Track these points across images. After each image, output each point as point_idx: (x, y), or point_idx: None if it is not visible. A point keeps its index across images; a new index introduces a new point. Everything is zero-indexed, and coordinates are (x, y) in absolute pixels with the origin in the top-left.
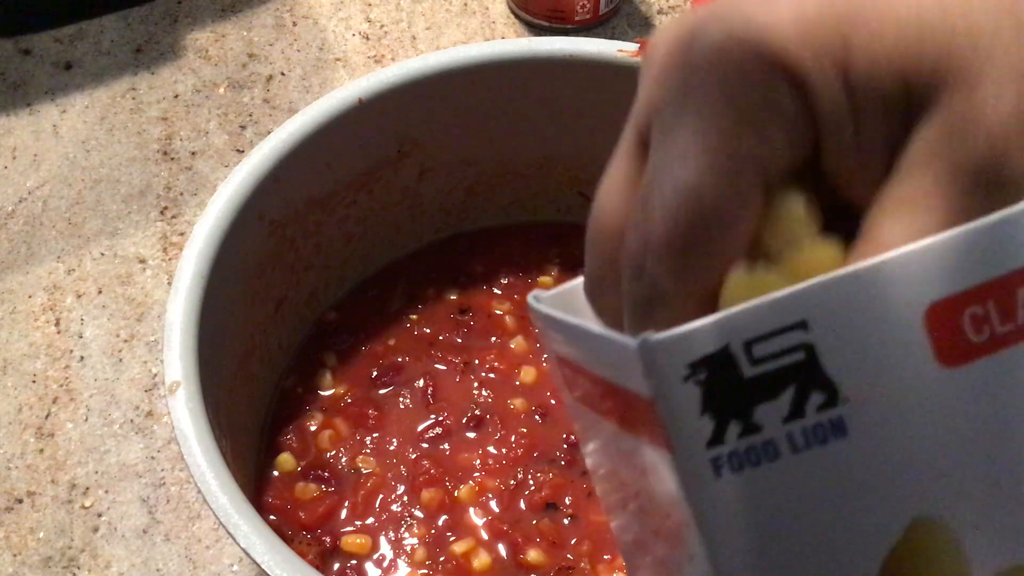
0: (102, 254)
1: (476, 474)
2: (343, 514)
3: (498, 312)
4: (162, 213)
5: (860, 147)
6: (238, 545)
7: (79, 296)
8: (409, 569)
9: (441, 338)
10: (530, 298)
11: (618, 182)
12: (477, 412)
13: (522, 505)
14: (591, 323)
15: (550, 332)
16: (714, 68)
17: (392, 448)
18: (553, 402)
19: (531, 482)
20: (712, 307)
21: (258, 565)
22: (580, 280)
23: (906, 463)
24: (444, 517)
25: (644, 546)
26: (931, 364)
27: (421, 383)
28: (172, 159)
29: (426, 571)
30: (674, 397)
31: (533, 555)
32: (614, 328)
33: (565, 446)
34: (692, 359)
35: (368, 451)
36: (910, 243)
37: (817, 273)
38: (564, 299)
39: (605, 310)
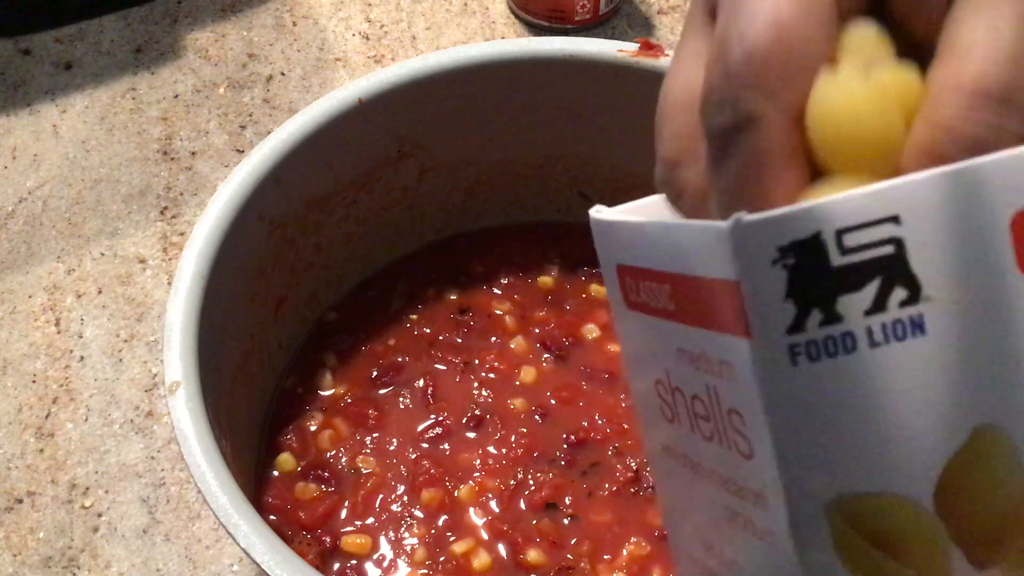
0: (102, 254)
1: (476, 474)
2: (343, 514)
3: (498, 312)
4: (162, 213)
5: None
6: (238, 545)
7: (79, 296)
8: (409, 569)
9: (441, 338)
10: (592, 211)
11: (688, 56)
12: (477, 412)
13: (522, 505)
14: (667, 219)
15: (612, 240)
16: None
17: (392, 448)
18: (553, 402)
19: (531, 482)
20: (801, 130)
21: (258, 565)
22: (636, 202)
23: (978, 369)
24: (444, 517)
25: (689, 459)
26: (1013, 271)
27: (421, 383)
28: (172, 159)
29: (426, 571)
30: (760, 279)
31: (533, 555)
32: (693, 217)
33: (565, 446)
34: (783, 243)
35: (368, 451)
36: (992, 38)
37: (897, 93)
38: (629, 211)
39: (684, 193)
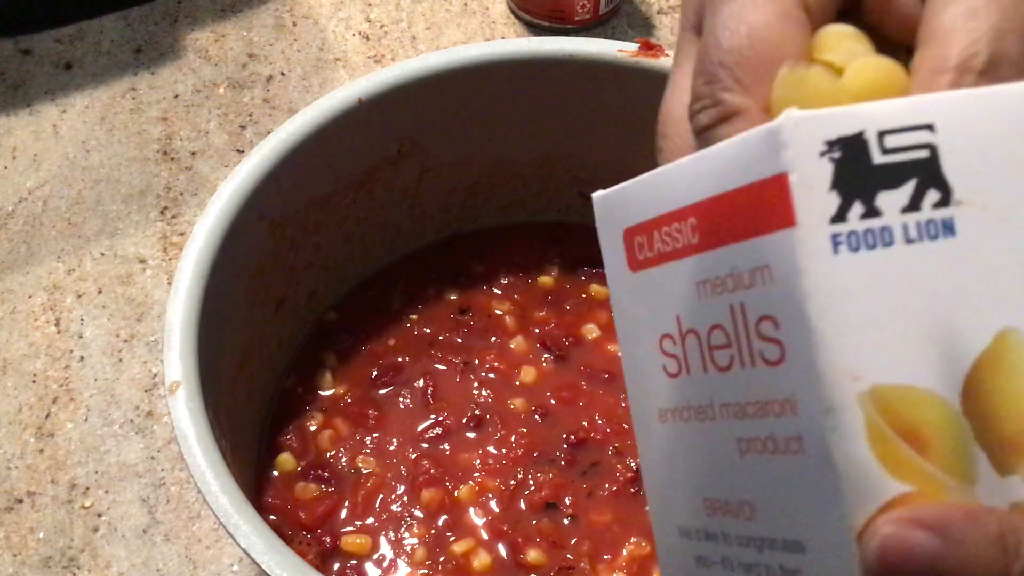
0: (102, 254)
1: (476, 474)
2: (343, 514)
3: (498, 312)
4: (162, 213)
5: None
6: (238, 545)
7: (79, 296)
8: (409, 569)
9: (441, 338)
10: (595, 194)
11: (680, 77)
12: (477, 412)
13: (522, 505)
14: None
15: (621, 208)
16: None
17: (392, 448)
18: (553, 402)
19: (531, 482)
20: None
21: (258, 565)
22: (643, 176)
23: (1005, 274)
24: (444, 517)
25: (695, 409)
26: None
27: (421, 383)
28: (172, 159)
29: (426, 571)
30: (808, 168)
31: (533, 555)
32: None
33: (565, 446)
34: (830, 136)
35: (368, 451)
36: (970, 21)
37: (875, 78)
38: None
39: None
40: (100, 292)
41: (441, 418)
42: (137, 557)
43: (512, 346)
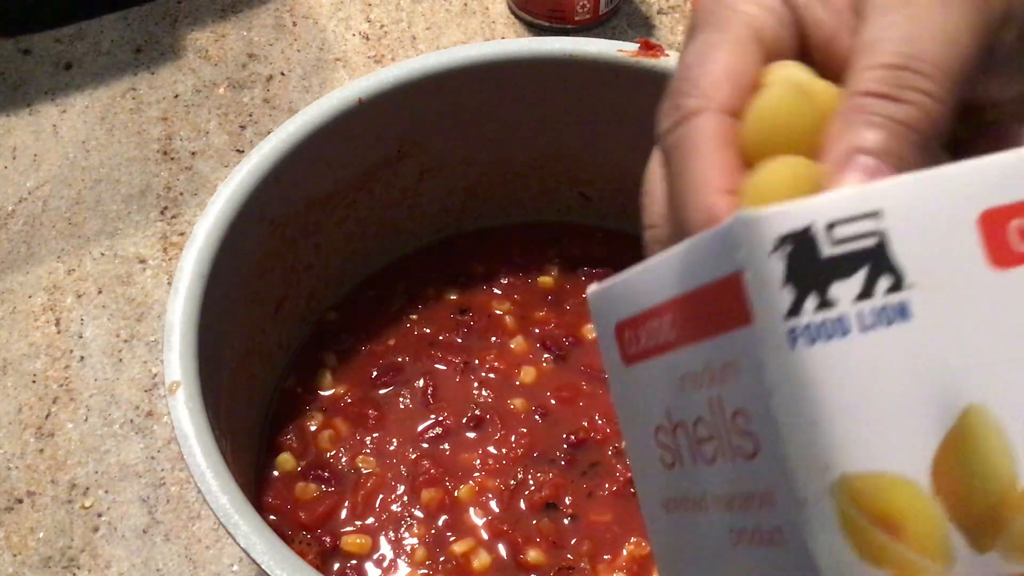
0: (102, 254)
1: (476, 474)
2: (343, 514)
3: (498, 312)
4: (162, 213)
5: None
6: (238, 545)
7: (79, 296)
8: (409, 569)
9: (441, 338)
10: (589, 289)
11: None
12: (477, 412)
13: (522, 505)
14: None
15: (612, 303)
16: None
17: (392, 448)
18: (553, 402)
19: (531, 482)
20: (732, 126)
21: (258, 565)
22: (629, 271)
23: (964, 351)
24: (444, 517)
25: (691, 501)
26: (984, 264)
27: (421, 383)
28: (172, 159)
29: (426, 571)
30: (761, 266)
31: (533, 555)
32: None
33: (565, 446)
34: (780, 233)
35: (368, 451)
36: (891, 33)
37: (819, 97)
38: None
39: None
40: (100, 292)
41: (441, 418)
42: (137, 557)
43: (512, 346)
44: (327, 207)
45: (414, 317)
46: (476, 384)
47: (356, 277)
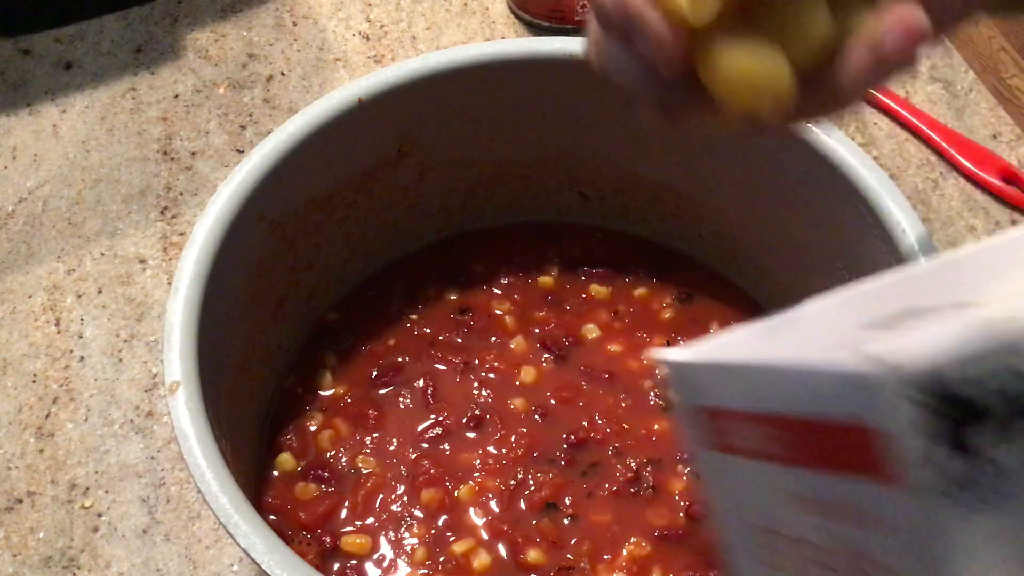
0: (102, 254)
1: (476, 474)
2: (343, 514)
3: (498, 312)
4: (162, 213)
5: None
6: (238, 545)
7: (79, 296)
8: (409, 569)
9: (441, 338)
10: (667, 354)
11: None
12: (477, 412)
13: (522, 505)
14: (779, 357)
15: (694, 381)
16: None
17: (392, 448)
18: (553, 402)
19: (531, 482)
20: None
21: (258, 565)
22: (716, 340)
23: None
24: (444, 517)
25: None
26: None
27: (421, 383)
28: (172, 159)
29: (426, 571)
30: (907, 426)
31: (533, 555)
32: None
33: (565, 446)
34: (924, 387)
35: (368, 451)
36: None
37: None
38: (706, 351)
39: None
40: (100, 292)
41: (441, 418)
42: (137, 557)
43: (512, 346)
44: (327, 207)
45: (414, 317)
46: (476, 384)
47: (356, 277)
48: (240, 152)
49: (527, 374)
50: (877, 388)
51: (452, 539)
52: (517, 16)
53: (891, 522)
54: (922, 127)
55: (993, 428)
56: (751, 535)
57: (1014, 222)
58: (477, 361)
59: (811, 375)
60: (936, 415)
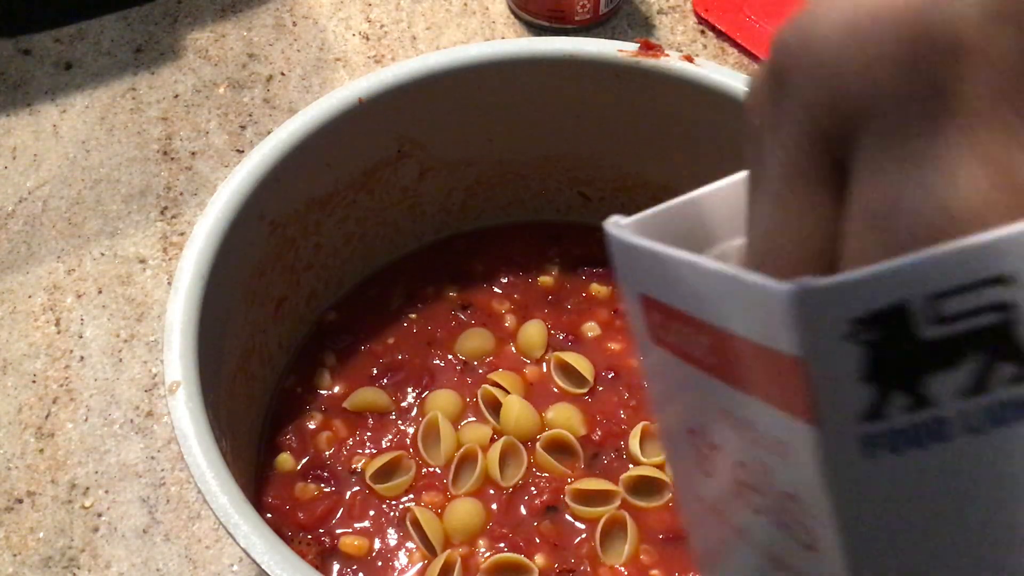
0: (102, 254)
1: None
2: (342, 514)
3: (498, 311)
4: (162, 213)
5: None
6: (238, 545)
7: (79, 296)
8: (409, 570)
9: (440, 337)
10: (609, 224)
11: (797, 222)
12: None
13: (522, 508)
14: (706, 257)
15: (634, 264)
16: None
17: (392, 448)
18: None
19: (531, 485)
20: None
21: (258, 565)
22: (670, 203)
23: None
24: (444, 518)
25: (730, 522)
26: None
27: (421, 382)
28: (172, 159)
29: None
30: (830, 358)
31: (534, 558)
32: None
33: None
34: (858, 314)
35: (367, 451)
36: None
37: None
38: (650, 226)
39: None
40: (100, 292)
41: None
42: (137, 557)
43: (512, 346)
44: (327, 207)
45: (413, 316)
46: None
47: (356, 277)
48: (240, 152)
49: (528, 373)
50: (809, 320)
51: (452, 541)
52: (517, 16)
53: (819, 470)
54: None
55: (942, 361)
56: (683, 436)
57: None
58: (476, 361)
59: (749, 292)
60: (870, 346)
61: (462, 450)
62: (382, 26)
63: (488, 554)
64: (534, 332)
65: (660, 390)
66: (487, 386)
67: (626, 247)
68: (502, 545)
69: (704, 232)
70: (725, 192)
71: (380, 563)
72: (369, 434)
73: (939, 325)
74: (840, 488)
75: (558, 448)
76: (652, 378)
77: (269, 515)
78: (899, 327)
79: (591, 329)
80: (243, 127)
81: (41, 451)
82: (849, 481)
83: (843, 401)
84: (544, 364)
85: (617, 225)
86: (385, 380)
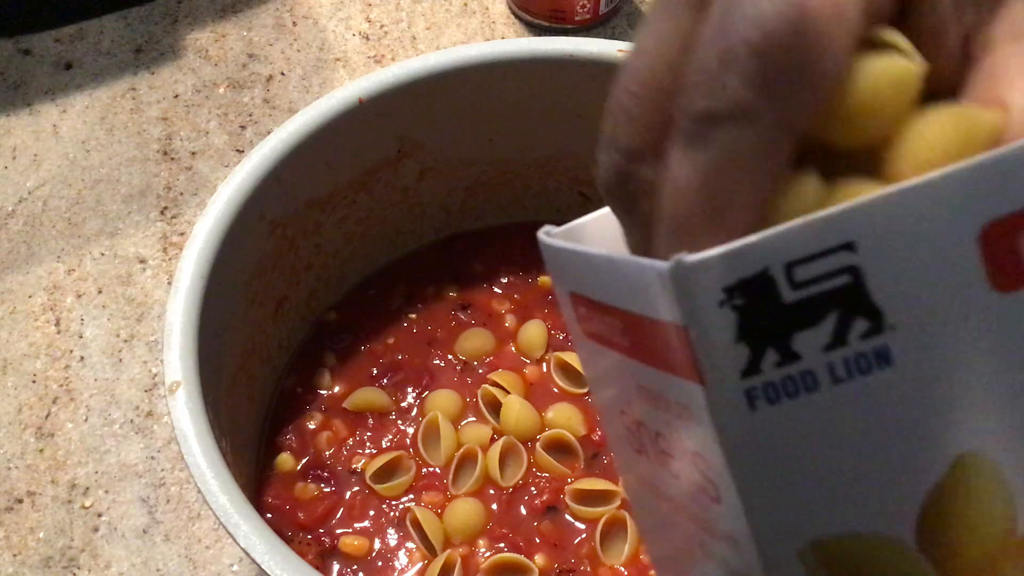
0: (102, 254)
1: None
2: (342, 514)
3: (498, 311)
4: (162, 213)
5: None
6: (238, 545)
7: (79, 296)
8: (409, 570)
9: (440, 337)
10: (540, 233)
11: (665, 32)
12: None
13: (522, 507)
14: (611, 251)
15: (562, 266)
16: None
17: (391, 448)
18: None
19: (531, 485)
20: (791, 141)
21: (258, 565)
22: (591, 216)
23: (955, 395)
24: (444, 518)
25: (660, 492)
26: (984, 288)
27: (421, 382)
28: (172, 159)
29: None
30: (708, 323)
31: (534, 557)
32: (641, 234)
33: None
34: (728, 283)
35: (367, 451)
36: None
37: (929, 158)
38: (576, 233)
39: (643, 197)
40: (100, 292)
41: None
42: (137, 557)
43: (512, 346)
44: (327, 207)
45: (413, 316)
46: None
47: (356, 277)
48: (240, 152)
49: (528, 373)
50: (686, 292)
51: (452, 540)
52: (517, 16)
53: (710, 425)
54: None
55: (803, 318)
56: (616, 418)
57: None
58: (476, 361)
59: (637, 272)
60: (741, 309)
61: (462, 450)
62: (382, 26)
63: (488, 554)
64: (534, 332)
65: (593, 378)
66: (487, 386)
67: (554, 251)
68: (502, 545)
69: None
70: None
71: (380, 563)
72: (369, 434)
73: (799, 289)
74: (729, 438)
75: (558, 448)
76: (586, 368)
77: (269, 515)
78: (765, 292)
79: None
80: (243, 127)
81: (41, 451)
82: (737, 431)
83: (724, 361)
84: (544, 364)
85: (547, 233)
86: (385, 380)
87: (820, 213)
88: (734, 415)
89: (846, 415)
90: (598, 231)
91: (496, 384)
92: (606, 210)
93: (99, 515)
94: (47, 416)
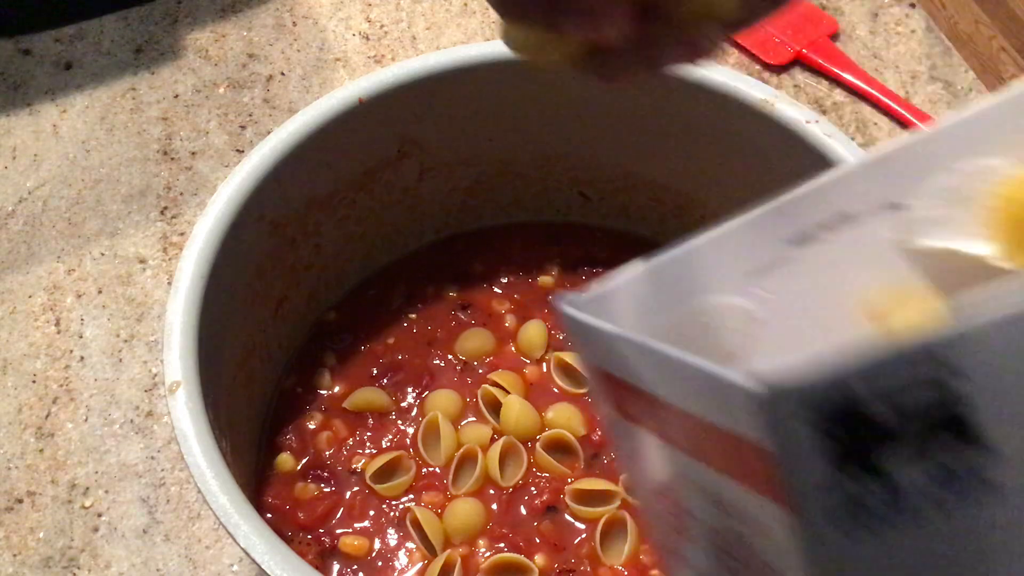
0: (102, 254)
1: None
2: (342, 514)
3: (498, 311)
4: (162, 213)
5: None
6: (238, 545)
7: (79, 296)
8: (409, 570)
9: (440, 336)
10: (564, 305)
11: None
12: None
13: (522, 507)
14: (663, 343)
15: (593, 341)
16: None
17: (391, 448)
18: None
19: (531, 485)
20: None
21: (258, 565)
22: (614, 283)
23: None
24: (444, 518)
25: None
26: None
27: (421, 382)
28: (172, 159)
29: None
30: (799, 450)
31: (534, 557)
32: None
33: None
34: (823, 407)
35: (367, 451)
36: None
37: None
38: (604, 305)
39: None
40: (100, 292)
41: None
42: (137, 557)
43: (512, 346)
44: (327, 207)
45: (413, 316)
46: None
47: (356, 277)
48: (240, 152)
49: (528, 373)
50: (768, 407)
51: (452, 540)
52: None
53: (775, 533)
54: (922, 127)
55: (906, 448)
56: (652, 496)
57: None
58: (476, 361)
59: (701, 376)
60: (839, 438)
61: (462, 450)
62: (382, 26)
63: (488, 554)
64: (534, 332)
65: (627, 454)
66: (487, 386)
67: (582, 326)
68: (502, 545)
69: (688, 284)
70: (711, 243)
71: (380, 563)
72: (369, 434)
73: (901, 416)
74: (823, 566)
75: (558, 448)
76: (618, 444)
77: (269, 515)
78: (861, 417)
79: None
80: (243, 127)
81: (41, 451)
82: (831, 559)
83: (817, 489)
84: (544, 364)
85: (571, 303)
86: (385, 380)
87: (924, 336)
88: (827, 542)
89: (950, 545)
90: (626, 302)
91: (496, 384)
92: (629, 275)
93: (99, 515)
94: (47, 416)
